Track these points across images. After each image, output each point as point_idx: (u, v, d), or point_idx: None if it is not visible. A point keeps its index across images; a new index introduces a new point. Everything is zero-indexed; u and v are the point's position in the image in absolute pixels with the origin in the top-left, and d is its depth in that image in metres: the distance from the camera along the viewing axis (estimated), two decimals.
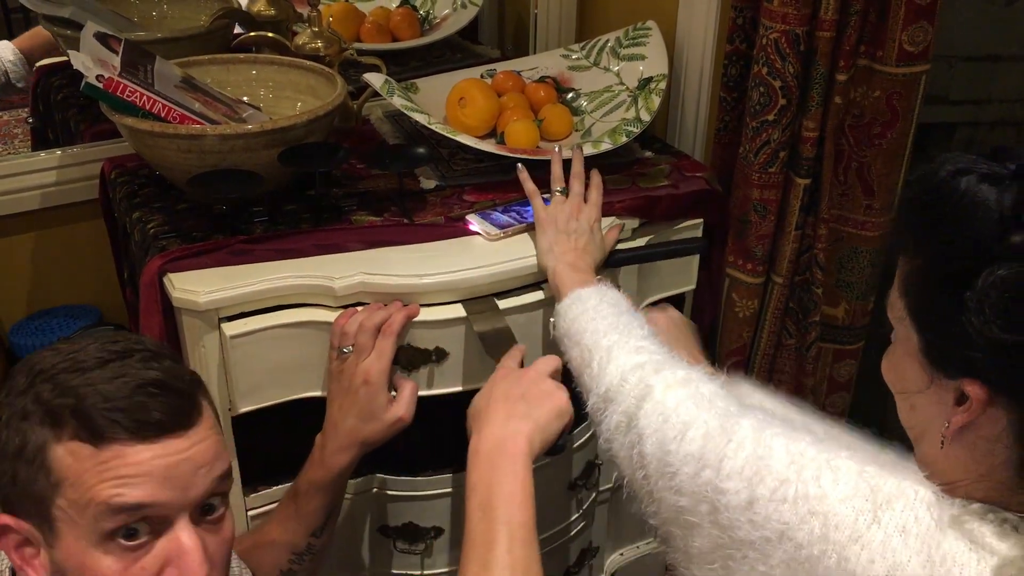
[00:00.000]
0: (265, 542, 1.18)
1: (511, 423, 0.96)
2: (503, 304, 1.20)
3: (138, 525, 0.75)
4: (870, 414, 1.96)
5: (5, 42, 1.56)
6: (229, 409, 1.17)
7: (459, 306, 1.18)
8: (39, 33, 1.57)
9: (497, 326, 1.17)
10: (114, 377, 0.75)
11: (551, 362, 1.06)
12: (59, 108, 1.58)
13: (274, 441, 1.27)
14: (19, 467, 0.75)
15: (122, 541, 0.75)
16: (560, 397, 1.01)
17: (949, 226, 0.70)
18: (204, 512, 0.81)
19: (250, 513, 1.26)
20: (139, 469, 0.74)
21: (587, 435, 1.42)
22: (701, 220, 1.44)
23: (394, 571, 1.37)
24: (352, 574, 1.37)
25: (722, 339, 1.56)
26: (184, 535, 0.77)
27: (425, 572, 1.37)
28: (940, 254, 0.72)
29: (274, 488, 1.27)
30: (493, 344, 1.16)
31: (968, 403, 0.71)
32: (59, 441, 0.74)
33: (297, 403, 1.21)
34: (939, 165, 0.73)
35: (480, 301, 1.19)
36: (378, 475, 1.30)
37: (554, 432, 0.99)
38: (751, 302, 1.50)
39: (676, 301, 1.51)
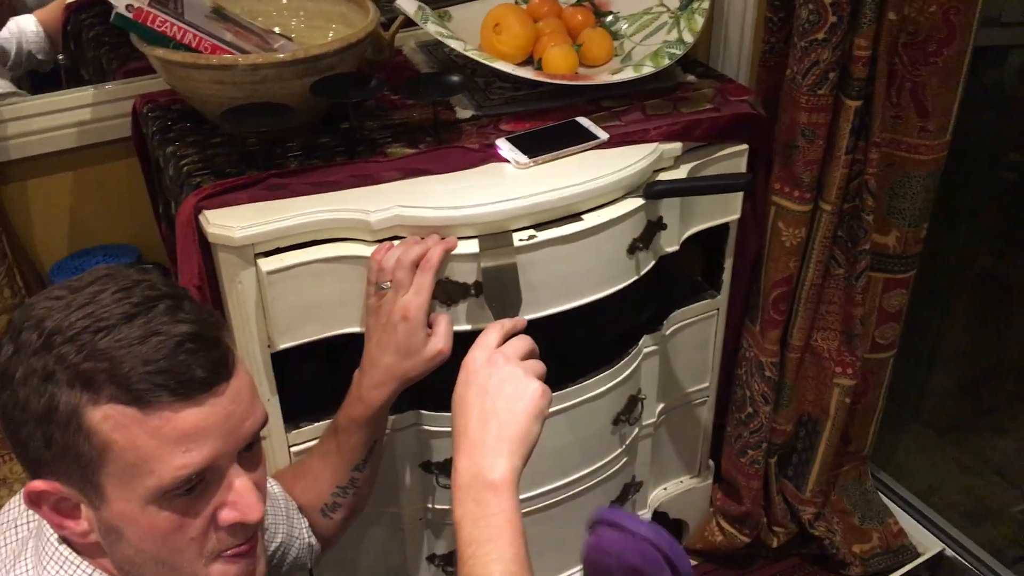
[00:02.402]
0: (308, 477, 1.18)
1: (487, 452, 0.92)
2: (542, 236, 1.17)
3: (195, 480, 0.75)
4: (921, 345, 1.93)
5: (28, 16, 1.52)
6: (268, 345, 1.17)
7: (498, 238, 1.15)
8: (61, 4, 1.54)
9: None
10: (146, 336, 0.71)
11: (522, 344, 1.00)
12: (90, 46, 1.56)
13: (315, 377, 1.27)
14: (53, 431, 0.72)
15: (180, 499, 0.74)
16: (533, 396, 0.95)
17: None
18: (245, 449, 0.80)
19: (292, 449, 1.27)
20: (195, 431, 0.73)
21: (629, 369, 1.40)
22: (746, 146, 1.39)
23: (437, 506, 1.37)
24: (395, 508, 1.37)
25: (768, 270, 1.52)
26: (237, 481, 0.77)
27: None
28: None
29: (315, 424, 1.26)
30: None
31: None
32: (96, 405, 0.71)
33: (337, 339, 1.20)
34: None
35: (496, 236, 1.16)
36: (419, 411, 1.29)
37: (535, 436, 0.95)
38: (798, 231, 1.46)
39: (720, 231, 1.48)
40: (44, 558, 0.78)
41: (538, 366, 1.00)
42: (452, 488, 0.92)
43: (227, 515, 0.77)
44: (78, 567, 0.78)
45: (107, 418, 0.71)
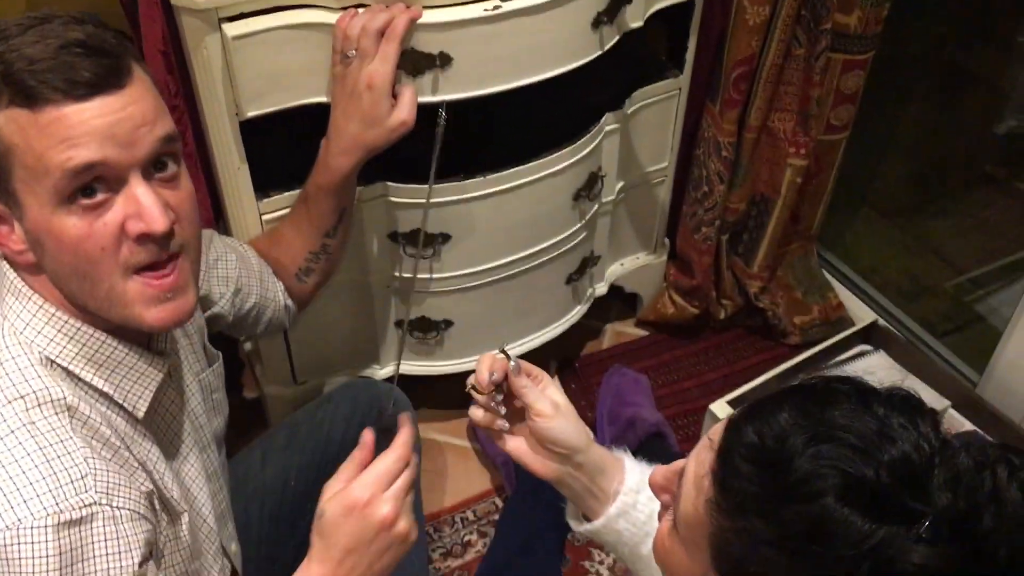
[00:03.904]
0: (282, 243, 1.24)
1: None
2: (506, 7, 1.16)
3: (95, 185, 0.78)
4: (874, 128, 1.97)
5: None
6: (236, 114, 1.18)
7: (464, 8, 1.15)
8: None
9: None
10: (37, 40, 0.75)
11: (403, 486, 0.89)
12: None
13: (285, 148, 1.29)
14: None
15: (82, 201, 0.77)
16: (402, 549, 0.89)
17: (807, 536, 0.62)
18: (157, 169, 0.82)
19: (264, 217, 1.31)
20: (81, 129, 0.75)
21: (591, 146, 1.43)
22: None
23: (404, 275, 1.44)
24: (365, 277, 1.44)
25: (730, 49, 1.53)
26: (138, 189, 0.79)
27: (433, 276, 1.44)
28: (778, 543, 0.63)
29: (285, 194, 1.30)
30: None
31: None
32: None
33: (307, 109, 1.21)
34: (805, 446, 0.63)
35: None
36: (386, 183, 1.33)
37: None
38: (762, 9, 1.46)
39: (685, 9, 1.47)
40: (2, 291, 0.84)
41: (400, 492, 0.89)
42: None
43: (132, 225, 0.79)
44: (30, 299, 0.83)
45: (8, 122, 0.76)
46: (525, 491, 1.51)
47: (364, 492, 0.87)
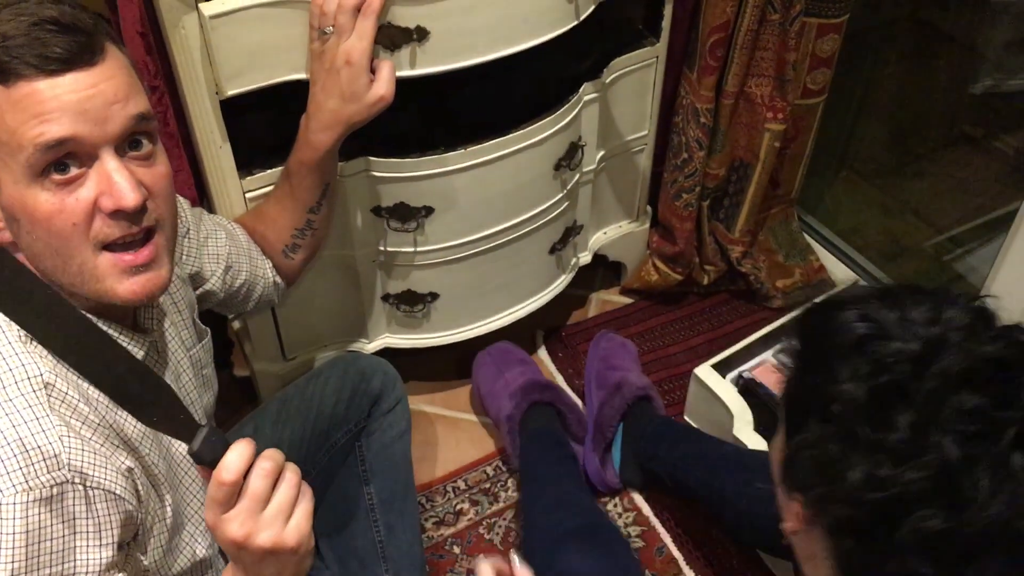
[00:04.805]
0: (267, 221, 1.25)
1: None
2: None
3: (68, 161, 0.79)
4: (851, 91, 1.99)
5: None
6: (217, 93, 1.19)
7: None
8: None
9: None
10: (11, 18, 0.76)
11: (249, 506, 0.80)
12: None
13: (267, 126, 1.30)
14: None
15: (54, 176, 0.79)
16: (283, 559, 0.82)
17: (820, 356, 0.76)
18: (132, 148, 0.83)
19: (248, 195, 1.32)
20: (53, 104, 0.77)
21: (570, 116, 1.44)
22: None
23: (389, 248, 1.45)
24: (350, 251, 1.45)
25: (705, 15, 1.54)
26: (110, 164, 0.80)
27: (418, 249, 1.45)
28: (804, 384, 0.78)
29: (268, 171, 1.31)
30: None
31: (795, 515, 0.79)
32: None
33: (288, 87, 1.22)
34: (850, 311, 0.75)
35: None
36: (368, 158, 1.34)
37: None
38: None
39: None
40: None
41: (244, 512, 0.81)
42: None
43: (104, 201, 0.80)
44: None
45: None
46: (532, 448, 1.53)
47: (209, 518, 0.81)
